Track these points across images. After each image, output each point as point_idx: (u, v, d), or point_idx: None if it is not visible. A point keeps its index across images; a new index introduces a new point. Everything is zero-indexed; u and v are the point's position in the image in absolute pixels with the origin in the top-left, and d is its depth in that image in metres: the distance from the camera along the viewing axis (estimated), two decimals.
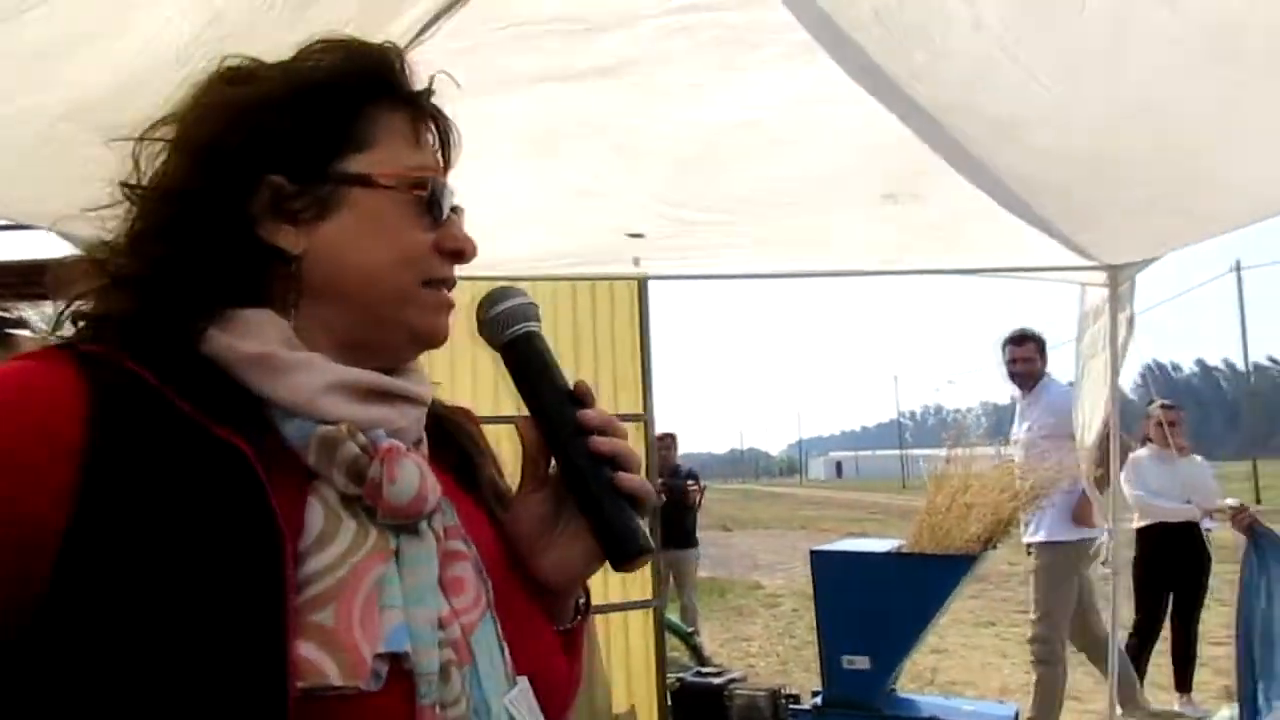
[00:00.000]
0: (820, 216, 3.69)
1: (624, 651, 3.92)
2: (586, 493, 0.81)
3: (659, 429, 5.07)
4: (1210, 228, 3.52)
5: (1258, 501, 20.14)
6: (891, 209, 3.54)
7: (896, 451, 78.80)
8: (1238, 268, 36.31)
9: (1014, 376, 5.08)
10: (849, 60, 2.34)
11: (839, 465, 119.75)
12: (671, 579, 7.74)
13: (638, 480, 0.81)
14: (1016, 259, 4.06)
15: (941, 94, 2.46)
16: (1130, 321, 3.95)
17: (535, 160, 3.10)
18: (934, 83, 2.38)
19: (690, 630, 6.95)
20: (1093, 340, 4.07)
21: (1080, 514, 4.58)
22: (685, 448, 10.77)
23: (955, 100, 2.50)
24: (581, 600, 0.90)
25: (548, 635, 0.85)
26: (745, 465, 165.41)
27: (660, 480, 7.46)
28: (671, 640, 5.80)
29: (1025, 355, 5.06)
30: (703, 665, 5.92)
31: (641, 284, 4.07)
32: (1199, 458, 6.39)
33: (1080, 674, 5.34)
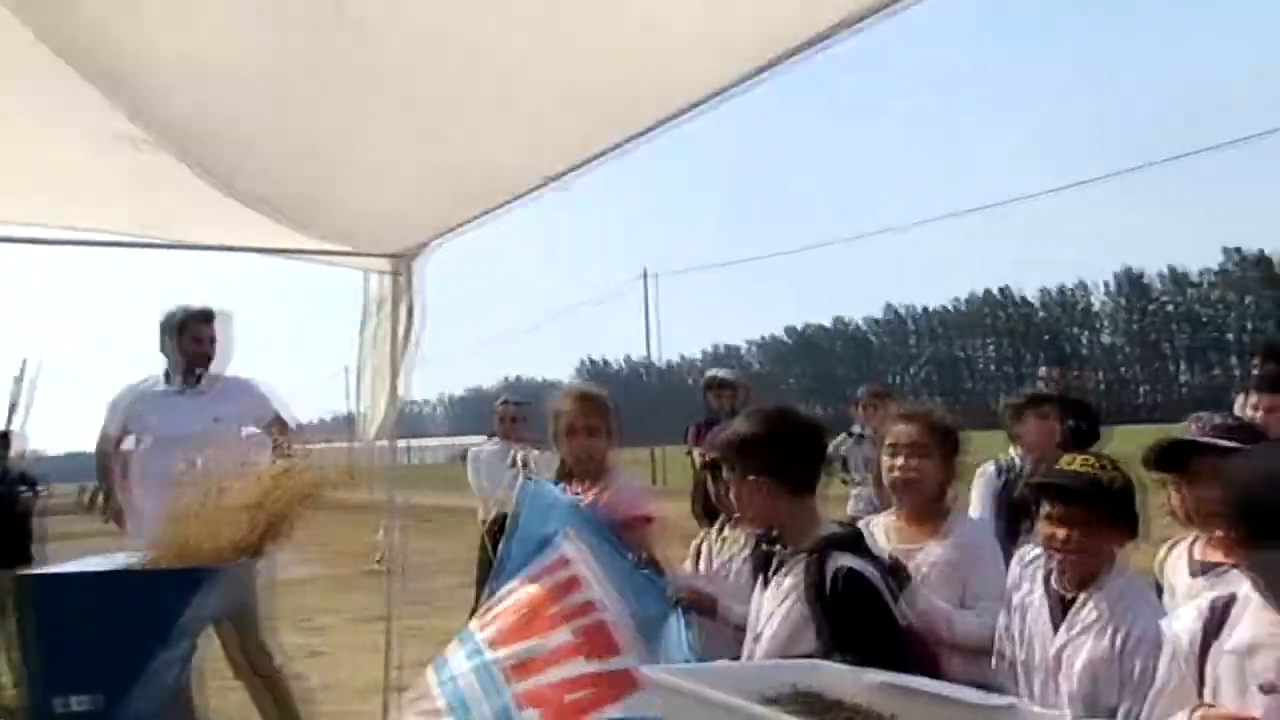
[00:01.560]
0: None
1: None
2: None
3: None
4: (476, 207, 3.52)
5: (654, 482, 23.04)
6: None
7: None
8: (644, 275, 42.02)
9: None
10: None
11: None
12: None
13: None
14: (298, 241, 3.77)
15: None
16: (413, 311, 3.87)
17: None
18: None
19: None
20: (374, 330, 3.93)
21: None
22: None
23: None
24: None
25: None
26: None
27: None
28: None
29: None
30: None
31: None
32: (536, 452, 6.77)
33: None
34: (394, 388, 4.01)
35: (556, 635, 2.96)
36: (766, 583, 2.47)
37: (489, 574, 5.75)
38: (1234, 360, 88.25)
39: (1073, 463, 2.37)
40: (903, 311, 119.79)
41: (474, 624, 3.27)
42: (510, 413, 6.76)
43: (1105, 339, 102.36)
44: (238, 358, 4.60)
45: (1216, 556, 2.32)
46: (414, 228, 3.69)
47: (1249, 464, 1.81)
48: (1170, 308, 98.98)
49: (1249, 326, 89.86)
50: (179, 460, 3.49)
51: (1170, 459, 2.35)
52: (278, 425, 4.48)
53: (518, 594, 3.18)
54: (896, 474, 2.91)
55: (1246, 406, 6.51)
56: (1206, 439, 2.27)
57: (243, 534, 3.44)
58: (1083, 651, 2.27)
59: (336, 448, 4.48)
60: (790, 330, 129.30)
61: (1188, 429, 2.39)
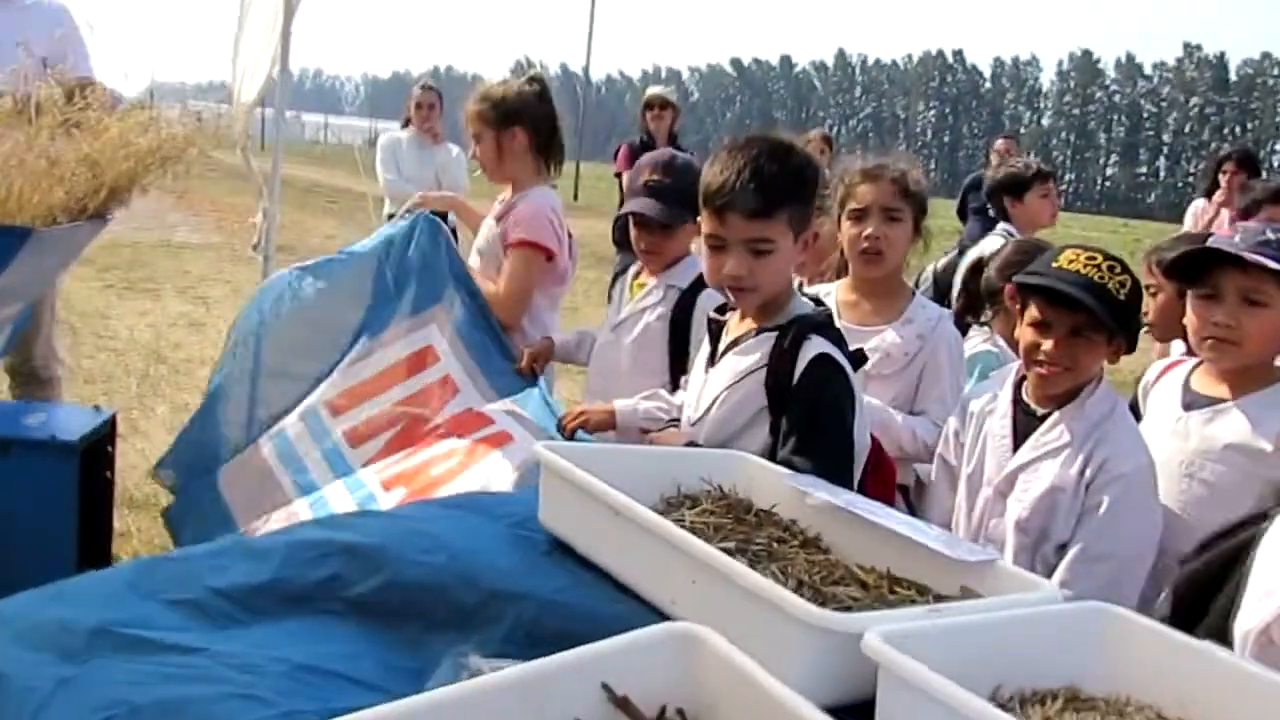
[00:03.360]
0: None
1: None
2: None
3: None
4: None
5: (574, 198, 22.38)
6: None
7: None
8: None
9: None
10: None
11: None
12: None
13: None
14: None
15: None
16: None
17: None
18: None
19: None
20: None
21: None
22: None
23: None
24: None
25: None
26: None
27: None
28: None
29: None
30: None
31: None
32: (455, 147, 6.15)
33: None
34: (282, 50, 3.34)
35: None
36: (714, 357, 2.06)
37: None
38: (1161, 161, 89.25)
39: (1073, 260, 1.96)
40: (852, 60, 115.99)
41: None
42: (427, 99, 6.05)
43: (1045, 120, 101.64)
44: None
45: (1219, 391, 2.02)
46: None
47: None
48: (1116, 98, 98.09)
49: (1187, 129, 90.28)
50: None
51: (1195, 269, 1.98)
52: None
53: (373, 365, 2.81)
54: (865, 243, 2.50)
55: (1206, 213, 6.31)
56: (1256, 255, 1.87)
57: (82, 192, 2.88)
58: (1043, 476, 1.95)
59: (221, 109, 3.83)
60: (735, 62, 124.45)
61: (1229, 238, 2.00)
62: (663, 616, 1.13)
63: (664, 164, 2.68)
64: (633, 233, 2.67)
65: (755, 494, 1.53)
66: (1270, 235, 1.92)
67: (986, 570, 1.26)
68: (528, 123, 2.94)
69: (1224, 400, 1.99)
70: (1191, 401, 2.04)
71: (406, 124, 6.21)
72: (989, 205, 3.96)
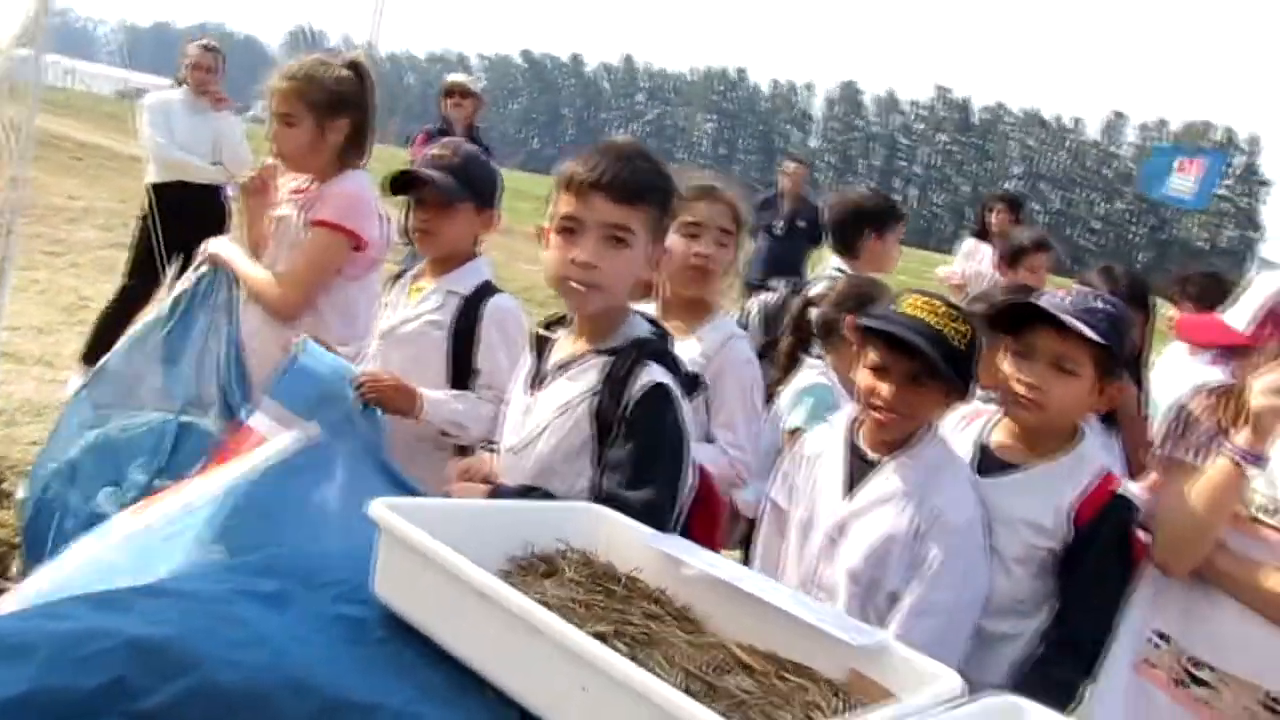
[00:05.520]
0: None
1: None
2: None
3: None
4: None
5: None
6: None
7: None
8: None
9: None
10: None
11: None
12: None
13: None
14: None
15: None
16: None
17: None
18: None
19: None
20: None
21: None
22: None
23: None
24: None
25: None
26: None
27: None
28: None
29: None
30: None
31: None
32: (235, 115, 5.60)
33: None
34: None
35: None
36: (538, 378, 1.88)
37: (145, 243, 4.68)
38: (914, 191, 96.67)
39: (915, 306, 1.94)
40: (639, 66, 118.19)
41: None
42: (206, 60, 5.47)
43: (813, 143, 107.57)
44: None
45: (1013, 451, 2.01)
46: None
47: None
48: (875, 128, 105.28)
49: (935, 163, 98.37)
50: None
51: (1017, 323, 2.00)
52: None
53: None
54: (695, 260, 2.41)
55: (974, 254, 6.72)
56: (1075, 321, 1.89)
57: None
58: (876, 524, 1.92)
59: None
60: (526, 54, 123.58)
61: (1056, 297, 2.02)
62: None
63: (455, 145, 2.56)
64: (412, 215, 2.47)
65: (615, 555, 1.37)
66: (1096, 304, 1.95)
67: (877, 654, 1.17)
68: (354, 113, 2.65)
69: (1015, 466, 1.99)
70: (984, 463, 2.03)
71: (180, 84, 5.58)
72: (831, 232, 3.57)
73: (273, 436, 1.80)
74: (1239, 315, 2.60)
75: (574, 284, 1.74)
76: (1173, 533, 1.84)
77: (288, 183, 2.73)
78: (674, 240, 2.40)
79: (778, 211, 8.12)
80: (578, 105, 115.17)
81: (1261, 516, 1.80)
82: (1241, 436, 1.74)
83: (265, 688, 0.93)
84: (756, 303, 3.14)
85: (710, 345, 2.40)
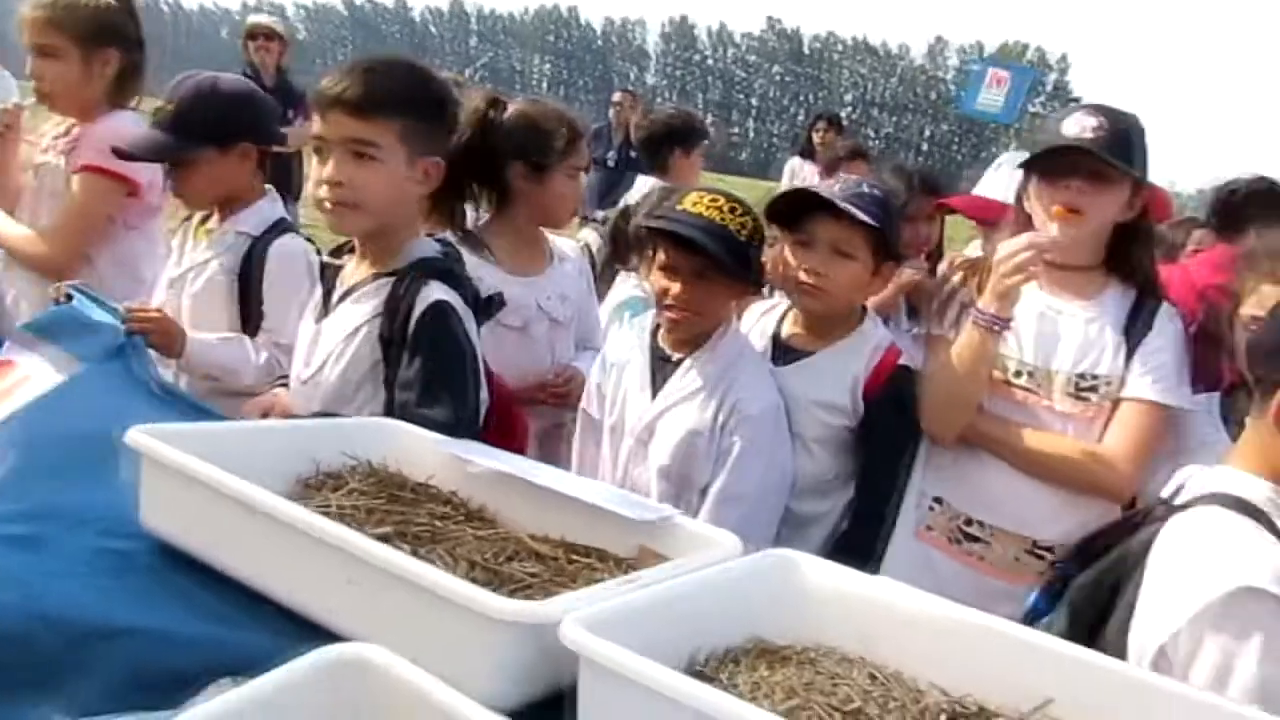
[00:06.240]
0: None
1: None
2: None
3: None
4: None
5: None
6: None
7: None
8: None
9: None
10: None
11: None
12: None
13: None
14: None
15: None
16: None
17: None
18: None
19: None
20: None
21: None
22: None
23: None
24: None
25: None
26: None
27: None
28: None
29: None
30: None
31: None
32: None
33: None
34: None
35: None
36: (327, 306, 1.82)
37: None
38: (750, 123, 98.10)
39: (696, 203, 1.93)
40: (469, 9, 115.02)
41: None
42: None
43: (650, 79, 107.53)
44: None
45: (806, 339, 2.07)
46: None
47: None
48: (710, 62, 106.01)
49: (771, 94, 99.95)
50: None
51: (795, 216, 2.03)
52: None
53: None
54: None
55: (799, 172, 6.91)
56: (848, 205, 1.95)
57: None
58: (680, 421, 1.95)
59: None
60: (347, 2, 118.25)
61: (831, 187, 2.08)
62: (318, 633, 0.95)
63: (175, 88, 2.25)
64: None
65: (408, 466, 1.37)
66: (865, 189, 2.01)
67: (664, 527, 1.21)
68: (121, 44, 2.46)
69: (807, 352, 2.06)
70: (779, 354, 2.10)
71: None
72: (639, 152, 3.69)
73: (28, 368, 1.67)
74: (993, 187, 2.77)
75: (327, 203, 1.70)
76: (935, 401, 1.97)
77: (50, 129, 2.53)
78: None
79: (610, 144, 8.11)
80: (405, 52, 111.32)
81: (1014, 380, 1.95)
82: (986, 302, 1.87)
83: (18, 628, 0.90)
84: (592, 235, 3.11)
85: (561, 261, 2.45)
